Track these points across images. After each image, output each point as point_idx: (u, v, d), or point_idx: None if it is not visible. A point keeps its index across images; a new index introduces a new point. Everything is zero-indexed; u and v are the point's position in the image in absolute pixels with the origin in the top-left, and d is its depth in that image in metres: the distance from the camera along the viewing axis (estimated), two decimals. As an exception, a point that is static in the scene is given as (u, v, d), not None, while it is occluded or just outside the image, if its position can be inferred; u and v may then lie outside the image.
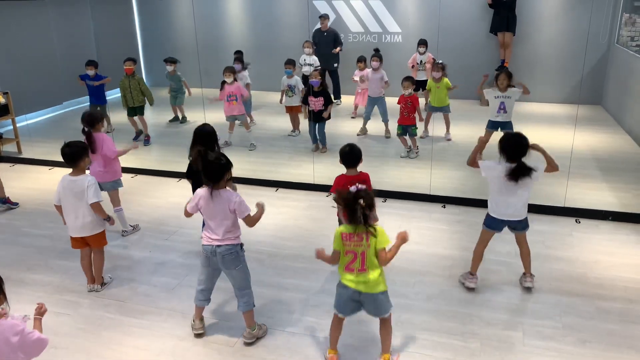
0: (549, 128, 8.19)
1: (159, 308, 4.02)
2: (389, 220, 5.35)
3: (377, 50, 8.75)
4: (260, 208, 3.56)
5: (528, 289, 4.08)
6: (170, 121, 9.38)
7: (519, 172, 3.72)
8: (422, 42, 9.18)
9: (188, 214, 3.56)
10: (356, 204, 3.04)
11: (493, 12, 9.76)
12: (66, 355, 3.54)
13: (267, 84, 11.01)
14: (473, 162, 4.04)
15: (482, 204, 5.57)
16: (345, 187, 3.98)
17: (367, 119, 8.18)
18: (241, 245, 3.53)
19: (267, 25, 11.34)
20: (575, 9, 9.54)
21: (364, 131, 8.22)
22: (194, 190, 4.48)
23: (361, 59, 8.76)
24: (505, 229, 4.05)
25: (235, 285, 3.57)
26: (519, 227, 4.01)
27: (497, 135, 6.58)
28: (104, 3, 11.24)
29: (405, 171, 6.71)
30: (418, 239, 4.96)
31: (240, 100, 7.65)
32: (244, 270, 3.55)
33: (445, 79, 7.61)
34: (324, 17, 9.80)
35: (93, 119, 4.92)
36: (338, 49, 9.84)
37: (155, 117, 9.70)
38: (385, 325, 3.31)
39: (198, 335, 3.68)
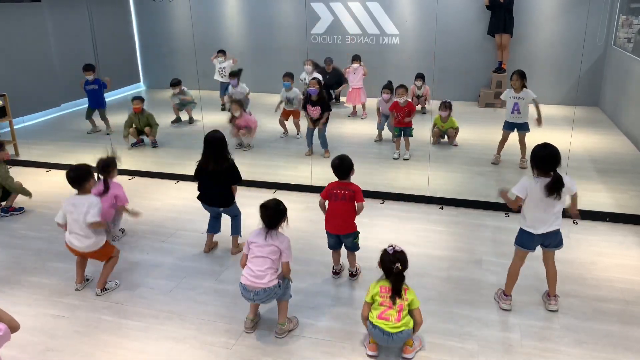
0: (546, 129, 8.17)
1: (156, 310, 4.01)
2: (387, 221, 5.35)
3: (390, 83, 8.36)
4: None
5: (552, 312, 3.86)
6: (172, 122, 9.36)
7: (559, 185, 3.54)
8: (419, 77, 9.17)
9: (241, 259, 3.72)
10: (392, 265, 3.29)
11: (490, 13, 9.78)
12: (62, 357, 3.53)
13: (264, 86, 11.02)
14: (514, 203, 3.74)
15: (480, 205, 5.62)
16: (332, 191, 4.09)
17: (381, 129, 8.00)
18: (279, 284, 3.62)
19: (265, 28, 11.33)
20: (573, 10, 9.56)
21: (380, 137, 8.08)
22: (199, 189, 4.71)
23: (355, 58, 9.17)
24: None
25: None
26: (553, 243, 3.77)
27: (515, 135, 6.65)
28: (101, 5, 11.23)
29: (403, 172, 6.71)
30: (415, 241, 4.96)
31: (252, 130, 7.70)
32: (287, 286, 3.71)
33: (452, 119, 7.61)
34: (328, 62, 9.85)
35: (108, 166, 4.81)
36: (339, 89, 10.14)
37: (156, 119, 9.68)
38: (415, 317, 3.44)
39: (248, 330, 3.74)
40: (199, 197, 4.74)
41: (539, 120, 6.55)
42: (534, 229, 3.72)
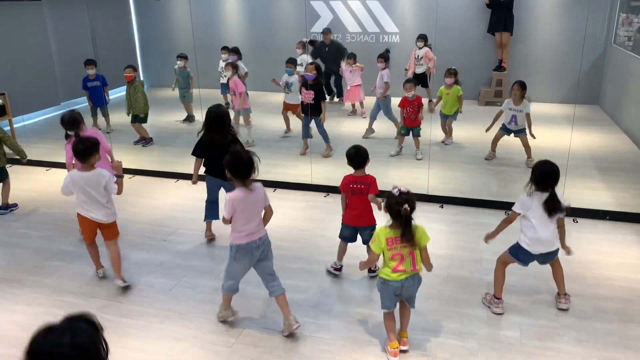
0: (546, 128, 8.18)
1: (156, 309, 4.01)
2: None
3: (386, 51, 8.69)
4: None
5: (562, 310, 3.85)
6: (184, 121, 9.34)
7: (555, 204, 3.59)
8: (421, 37, 9.19)
9: (227, 222, 3.56)
10: (400, 207, 3.14)
11: (490, 12, 9.77)
12: (63, 356, 3.53)
13: (264, 84, 10.98)
14: (509, 220, 3.82)
15: (480, 204, 5.61)
16: (349, 186, 4.08)
17: (372, 118, 7.99)
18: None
19: (265, 26, 11.33)
20: (573, 9, 9.55)
21: (370, 132, 8.05)
22: (205, 164, 4.84)
23: (350, 56, 9.14)
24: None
25: (267, 271, 3.67)
26: (548, 260, 3.79)
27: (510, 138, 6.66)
28: (101, 3, 11.23)
29: (403, 171, 6.71)
30: (415, 239, 4.96)
31: (237, 95, 7.72)
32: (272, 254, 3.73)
33: (457, 87, 7.53)
34: (326, 32, 9.78)
35: (75, 120, 4.84)
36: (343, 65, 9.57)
37: (156, 117, 9.69)
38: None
39: (224, 322, 3.82)
40: (205, 171, 4.86)
41: (530, 134, 6.53)
42: (535, 249, 3.70)
